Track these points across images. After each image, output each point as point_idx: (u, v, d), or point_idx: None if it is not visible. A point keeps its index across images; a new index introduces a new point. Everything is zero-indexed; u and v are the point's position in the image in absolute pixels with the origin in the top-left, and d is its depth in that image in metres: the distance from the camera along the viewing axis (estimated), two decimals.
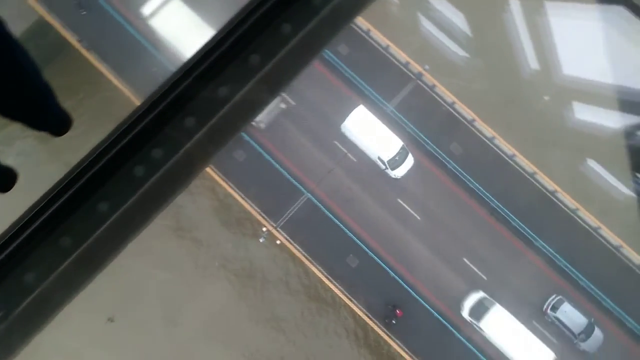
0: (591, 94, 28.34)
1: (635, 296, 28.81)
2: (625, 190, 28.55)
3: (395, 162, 29.01)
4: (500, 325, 27.85)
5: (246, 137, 30.37)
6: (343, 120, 29.97)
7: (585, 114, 28.91)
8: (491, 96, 30.87)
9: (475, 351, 28.67)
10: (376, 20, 30.75)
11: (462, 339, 28.77)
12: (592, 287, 29.05)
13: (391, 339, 29.13)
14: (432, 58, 30.54)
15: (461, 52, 30.74)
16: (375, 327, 29.30)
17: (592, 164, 29.56)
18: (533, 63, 29.02)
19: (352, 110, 29.29)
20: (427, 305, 29.17)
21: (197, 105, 2.61)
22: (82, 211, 2.52)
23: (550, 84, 29.66)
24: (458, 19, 30.29)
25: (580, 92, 29.02)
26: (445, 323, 28.96)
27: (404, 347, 29.03)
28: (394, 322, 28.91)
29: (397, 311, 28.82)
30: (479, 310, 28.21)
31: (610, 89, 27.24)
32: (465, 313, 28.64)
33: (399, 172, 29.25)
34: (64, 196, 2.47)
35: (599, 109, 28.52)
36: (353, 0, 2.79)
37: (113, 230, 2.56)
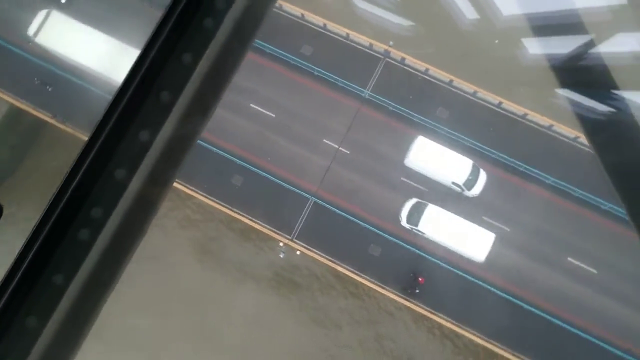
0: (533, 27, 28.42)
1: None
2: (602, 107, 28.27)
3: (470, 182, 28.88)
4: (438, 223, 28.21)
5: (239, 162, 30.59)
6: (329, 118, 30.08)
7: (536, 47, 28.94)
8: (451, 53, 30.92)
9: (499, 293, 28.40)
10: (328, 13, 30.96)
11: (489, 288, 28.48)
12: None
13: (419, 306, 28.96)
14: (389, 34, 30.67)
15: (405, 22, 30.93)
16: (412, 306, 29.14)
17: (562, 92, 29.39)
18: (471, 13, 29.20)
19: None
20: (450, 267, 28.90)
21: (123, 155, 2.61)
22: (39, 288, 2.49)
23: (495, 28, 29.77)
24: None
25: (523, 29, 29.15)
26: (470, 278, 28.60)
27: (432, 310, 28.86)
28: (417, 290, 28.78)
29: (420, 279, 28.70)
30: (415, 215, 28.61)
31: (547, 17, 27.29)
32: (403, 222, 28.90)
33: (475, 191, 29.03)
34: (17, 276, 2.44)
35: (546, 39, 28.60)
36: (249, 13, 2.83)
37: (78, 298, 2.52)
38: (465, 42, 30.94)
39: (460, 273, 28.83)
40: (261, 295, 32.47)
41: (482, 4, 29.02)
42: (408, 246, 29.31)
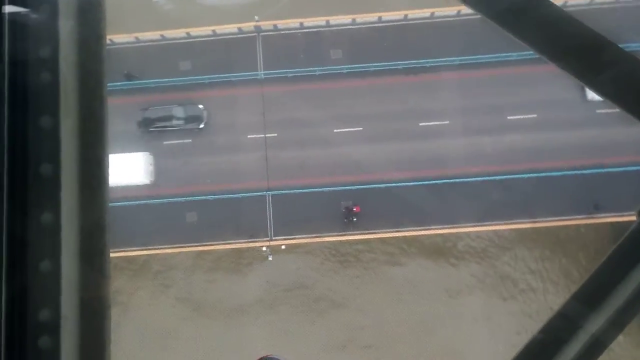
0: None
1: None
2: None
3: None
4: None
5: (182, 199, 29.88)
6: (241, 115, 29.92)
7: None
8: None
9: None
10: (181, 20, 30.26)
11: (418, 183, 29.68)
12: None
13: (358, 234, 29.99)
14: (248, 7, 30.34)
15: None
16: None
17: None
18: None
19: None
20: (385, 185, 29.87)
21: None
22: None
23: None
24: None
25: None
26: (401, 184, 29.80)
27: (375, 231, 30.00)
28: (354, 219, 29.49)
29: (354, 208, 29.34)
30: None
31: None
32: None
33: None
34: None
35: None
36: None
37: None
38: None
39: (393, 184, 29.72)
40: (280, 308, 32.27)
41: None
42: (371, 185, 29.84)
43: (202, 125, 30.05)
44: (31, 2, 2.53)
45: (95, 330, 2.48)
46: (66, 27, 2.54)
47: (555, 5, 2.51)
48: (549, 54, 2.57)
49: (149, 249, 30.65)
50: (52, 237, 2.44)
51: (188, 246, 30.66)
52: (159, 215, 29.89)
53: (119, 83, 29.62)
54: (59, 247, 2.43)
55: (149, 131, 29.99)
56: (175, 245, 30.39)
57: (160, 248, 30.66)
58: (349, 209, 29.46)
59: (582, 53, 2.53)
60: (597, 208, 29.15)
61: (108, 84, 2.72)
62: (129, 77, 29.56)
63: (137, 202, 29.57)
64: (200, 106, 30.03)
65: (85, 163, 2.55)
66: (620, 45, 2.69)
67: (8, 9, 2.50)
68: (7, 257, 2.40)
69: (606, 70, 2.50)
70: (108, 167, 2.63)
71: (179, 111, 29.78)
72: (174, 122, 29.74)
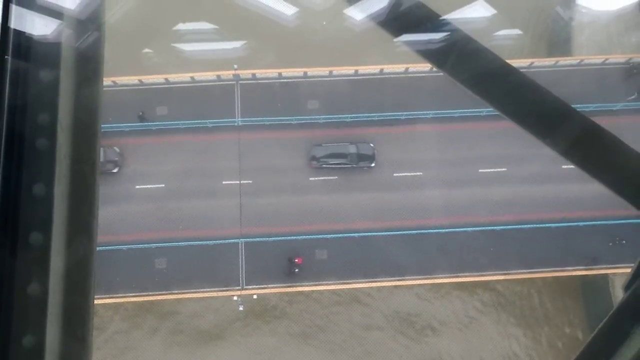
0: None
1: None
2: (437, 35, 30.89)
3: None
4: None
5: (153, 245, 29.24)
6: (216, 160, 29.81)
7: (359, 13, 30.73)
8: (292, 50, 31.89)
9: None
10: (161, 68, 30.54)
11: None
12: None
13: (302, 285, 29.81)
14: (229, 60, 30.89)
15: (237, 44, 31.58)
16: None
17: (400, 39, 31.35)
18: (289, 9, 30.34)
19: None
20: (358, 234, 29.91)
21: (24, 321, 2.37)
22: None
23: (316, 13, 31.24)
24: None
25: (339, 2, 30.64)
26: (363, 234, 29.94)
27: (318, 283, 29.91)
28: (296, 270, 29.25)
29: (296, 260, 29.18)
30: None
31: None
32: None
33: None
34: None
35: (363, 2, 30.37)
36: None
37: None
38: (298, 36, 31.89)
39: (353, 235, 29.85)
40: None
41: None
42: (350, 234, 29.81)
43: (373, 164, 30.32)
44: (34, 59, 2.49)
45: None
46: (66, 91, 2.52)
47: (520, 71, 2.67)
48: (513, 116, 2.71)
49: (119, 297, 29.64)
50: (37, 310, 2.35)
51: (156, 296, 29.79)
52: (127, 264, 29.13)
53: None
54: (44, 321, 2.36)
55: (322, 167, 29.98)
56: (144, 294, 29.49)
57: (130, 296, 29.70)
58: (291, 260, 29.19)
59: (544, 116, 2.67)
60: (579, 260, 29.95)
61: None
62: (142, 118, 29.59)
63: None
64: (372, 145, 30.37)
65: (74, 232, 2.51)
66: (576, 107, 2.85)
67: (11, 60, 2.47)
68: None
69: (564, 130, 2.65)
70: (96, 233, 2.58)
71: (352, 149, 29.95)
72: (348, 159, 29.97)
